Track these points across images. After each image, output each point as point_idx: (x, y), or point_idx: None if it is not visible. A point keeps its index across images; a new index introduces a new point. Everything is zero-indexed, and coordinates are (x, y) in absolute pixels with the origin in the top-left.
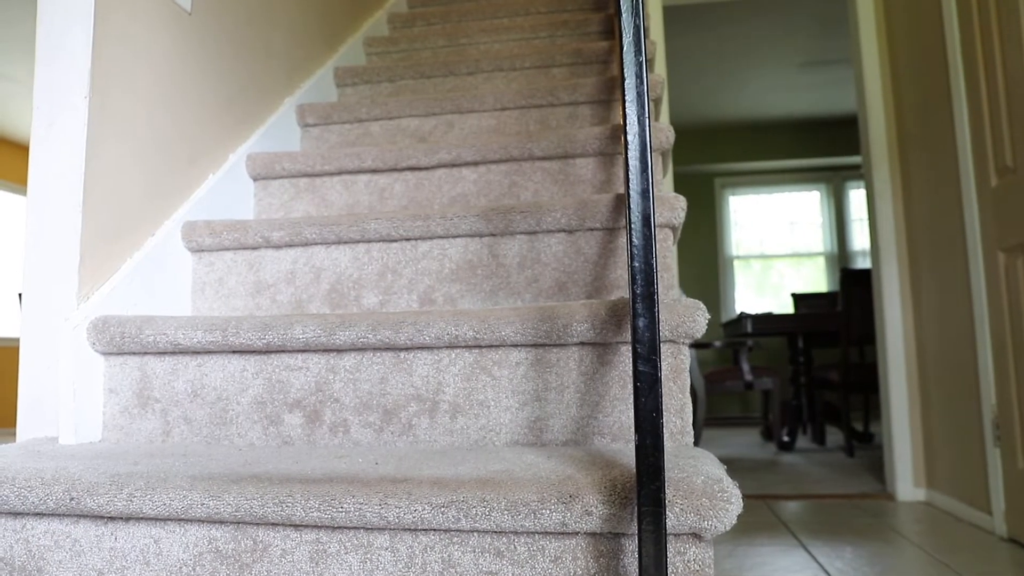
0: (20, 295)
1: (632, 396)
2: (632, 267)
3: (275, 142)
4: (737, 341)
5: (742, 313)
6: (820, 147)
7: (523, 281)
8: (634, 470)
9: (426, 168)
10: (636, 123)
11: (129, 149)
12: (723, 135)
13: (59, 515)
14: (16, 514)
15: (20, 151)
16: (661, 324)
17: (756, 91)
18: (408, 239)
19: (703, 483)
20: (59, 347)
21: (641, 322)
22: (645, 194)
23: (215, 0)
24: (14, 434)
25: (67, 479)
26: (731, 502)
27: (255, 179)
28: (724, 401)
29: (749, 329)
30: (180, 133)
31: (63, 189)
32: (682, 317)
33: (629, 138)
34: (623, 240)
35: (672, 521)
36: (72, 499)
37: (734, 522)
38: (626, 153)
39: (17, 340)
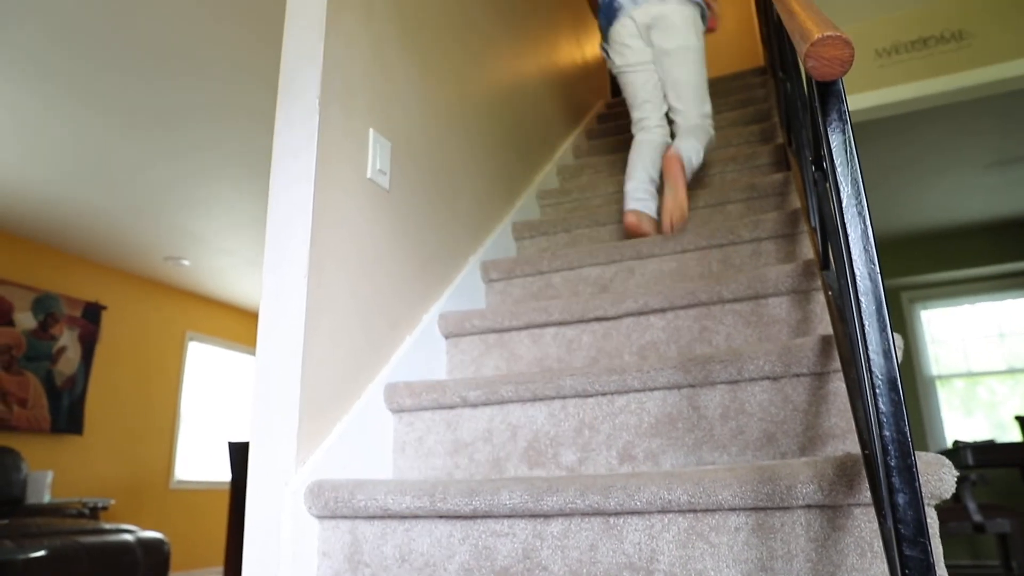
0: (230, 444)
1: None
2: (883, 436)
3: (463, 299)
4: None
5: (957, 443)
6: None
7: (727, 433)
8: None
9: (613, 318)
10: (867, 278)
11: (339, 320)
12: (906, 246)
13: None
14: None
15: (235, 313)
16: None
17: (940, 197)
18: (604, 394)
19: None
20: (280, 511)
21: (901, 498)
22: (888, 355)
23: (408, 177)
24: (219, 572)
25: None
26: None
27: (447, 336)
28: (948, 546)
29: (970, 462)
30: (381, 301)
31: (285, 360)
32: (926, 477)
33: (861, 296)
34: (833, 385)
35: None
36: None
37: None
38: (858, 310)
39: (223, 484)
